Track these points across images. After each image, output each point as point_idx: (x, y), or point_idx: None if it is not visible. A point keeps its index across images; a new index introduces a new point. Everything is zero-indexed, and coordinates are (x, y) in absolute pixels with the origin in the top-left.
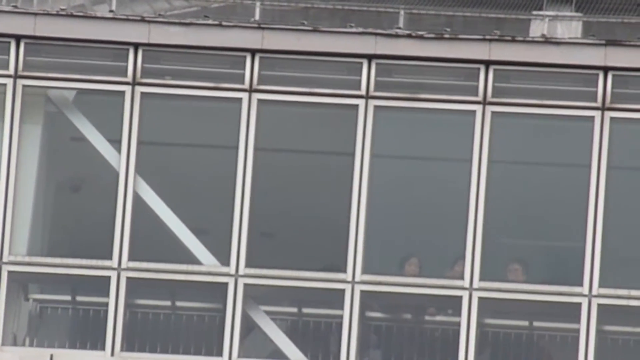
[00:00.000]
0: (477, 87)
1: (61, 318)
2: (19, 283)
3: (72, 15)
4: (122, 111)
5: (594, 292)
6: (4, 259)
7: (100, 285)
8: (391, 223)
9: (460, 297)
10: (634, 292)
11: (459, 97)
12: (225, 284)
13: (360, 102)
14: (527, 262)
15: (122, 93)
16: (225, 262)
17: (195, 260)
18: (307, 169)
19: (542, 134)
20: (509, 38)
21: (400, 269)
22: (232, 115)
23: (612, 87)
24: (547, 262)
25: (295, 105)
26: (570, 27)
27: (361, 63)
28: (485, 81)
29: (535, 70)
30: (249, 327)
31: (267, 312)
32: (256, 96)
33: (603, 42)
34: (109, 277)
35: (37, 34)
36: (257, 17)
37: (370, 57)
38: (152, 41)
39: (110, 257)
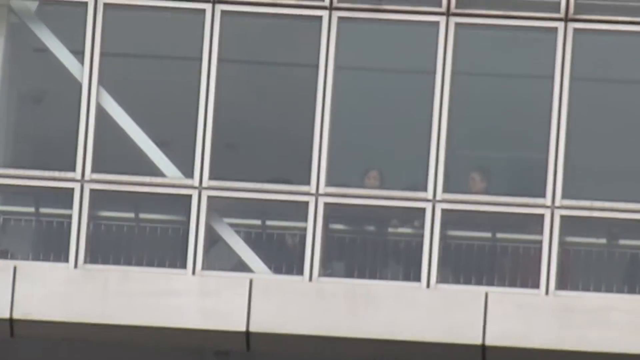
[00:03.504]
0: None
1: (24, 230)
2: None
3: None
4: (85, 22)
5: (557, 203)
6: None
7: (64, 197)
8: (355, 135)
9: (424, 210)
10: (596, 204)
11: (423, 8)
12: (189, 196)
13: (324, 14)
14: (486, 170)
15: (85, 4)
16: (189, 174)
17: (158, 173)
18: (271, 81)
19: (506, 45)
20: None
21: (361, 182)
22: (195, 27)
23: None
24: (511, 173)
25: (259, 17)
26: None
27: None
28: None
29: None
30: (213, 240)
31: (231, 225)
32: (220, 7)
33: None
34: (72, 189)
35: None
36: None
37: None
38: None
39: (73, 169)
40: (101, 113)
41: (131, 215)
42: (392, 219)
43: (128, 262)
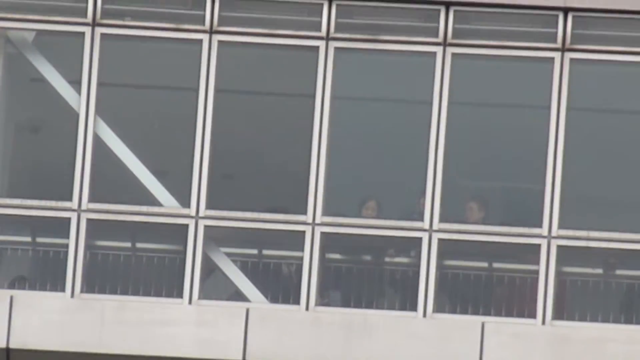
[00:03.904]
0: (437, 28)
1: (21, 259)
2: None
3: None
4: (82, 52)
5: (554, 233)
6: None
7: (61, 226)
8: (352, 165)
9: (420, 239)
10: (592, 234)
11: (419, 38)
12: (186, 226)
13: (321, 44)
14: (484, 200)
15: (82, 34)
16: (186, 203)
17: (155, 202)
18: (268, 111)
19: (502, 75)
20: None
21: (359, 212)
22: (192, 57)
23: (572, 28)
24: (507, 203)
25: (255, 47)
26: None
27: (321, 4)
28: (446, 22)
29: (495, 11)
30: (210, 269)
31: (228, 254)
32: (217, 37)
33: None
34: (69, 219)
35: None
36: None
37: None
38: None
39: (70, 199)
40: (98, 143)
41: (128, 244)
42: (388, 249)
43: (125, 292)
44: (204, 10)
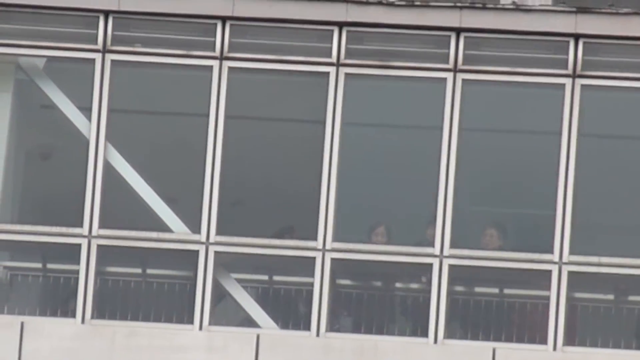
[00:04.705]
0: (448, 54)
1: (32, 286)
2: None
3: None
4: (92, 79)
5: (565, 259)
6: None
7: (71, 252)
8: (362, 191)
9: (431, 265)
10: (604, 259)
11: (430, 64)
12: (196, 252)
13: (331, 70)
14: (503, 227)
15: (93, 61)
16: (196, 229)
17: (165, 228)
18: (278, 137)
19: (513, 101)
20: (480, 5)
21: (369, 238)
22: (202, 83)
23: (583, 55)
24: (518, 229)
25: (266, 73)
26: None
27: (332, 30)
28: (456, 49)
29: (506, 37)
30: (220, 295)
31: (238, 280)
32: (227, 64)
33: (574, 9)
34: (79, 245)
35: (7, 1)
36: None
37: (341, 25)
38: (122, 8)
39: (80, 225)
40: (108, 169)
41: (138, 270)
42: (399, 275)
43: (135, 318)
44: (214, 36)
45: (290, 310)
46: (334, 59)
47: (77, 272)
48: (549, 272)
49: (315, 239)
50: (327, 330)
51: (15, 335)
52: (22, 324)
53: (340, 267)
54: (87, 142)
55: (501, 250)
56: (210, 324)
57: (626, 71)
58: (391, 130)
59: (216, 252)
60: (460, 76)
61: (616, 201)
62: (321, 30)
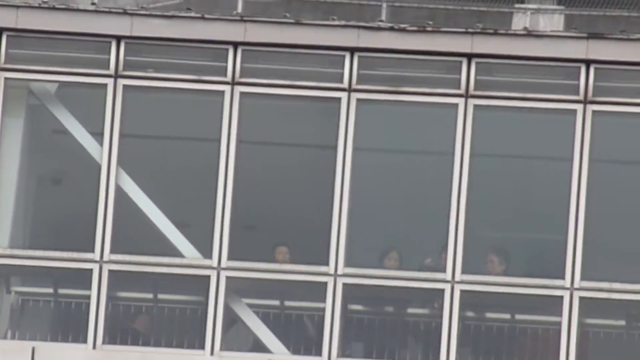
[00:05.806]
0: (459, 80)
1: (43, 311)
2: (1, 276)
3: (54, 8)
4: (104, 104)
5: (576, 285)
6: None
7: (82, 277)
8: (374, 216)
9: (442, 290)
10: (615, 285)
11: (441, 90)
12: (208, 277)
13: (343, 95)
14: (506, 253)
15: (105, 86)
16: (208, 254)
17: (177, 253)
18: (290, 162)
19: (525, 126)
20: (491, 31)
21: (380, 263)
22: (214, 108)
23: (594, 80)
24: (530, 255)
25: (277, 98)
26: (552, 20)
27: (344, 56)
28: (468, 74)
29: (517, 63)
30: (231, 320)
31: (250, 305)
32: (239, 89)
33: (585, 35)
34: (91, 270)
35: (19, 26)
36: (239, 9)
37: (352, 50)
38: (134, 34)
39: (92, 250)
40: (120, 194)
41: (150, 295)
42: (411, 300)
43: (146, 343)
44: (226, 61)
45: (301, 336)
46: (345, 85)
47: (89, 297)
48: (561, 297)
49: (327, 264)
50: (338, 356)
51: None
52: (33, 349)
53: (351, 292)
54: (99, 167)
55: (507, 276)
56: (221, 349)
57: (637, 97)
58: (403, 155)
59: (227, 277)
60: (472, 101)
61: (627, 227)
62: (333, 55)
